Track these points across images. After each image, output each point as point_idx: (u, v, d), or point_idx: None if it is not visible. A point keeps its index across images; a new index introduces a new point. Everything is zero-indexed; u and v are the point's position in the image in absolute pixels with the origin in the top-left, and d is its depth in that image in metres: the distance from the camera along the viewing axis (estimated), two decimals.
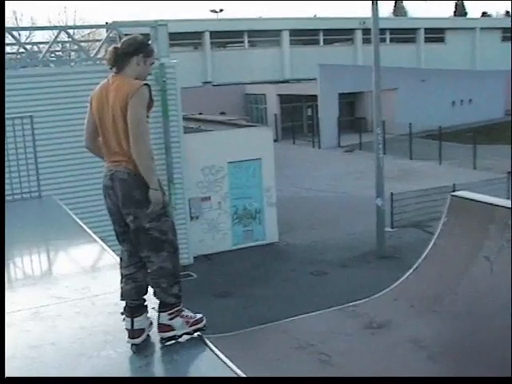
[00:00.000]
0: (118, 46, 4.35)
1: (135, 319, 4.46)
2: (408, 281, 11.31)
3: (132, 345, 4.48)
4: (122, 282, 4.54)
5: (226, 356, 4.55)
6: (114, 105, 4.22)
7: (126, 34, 17.31)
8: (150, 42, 4.45)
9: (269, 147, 19.08)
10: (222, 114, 35.16)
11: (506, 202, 11.64)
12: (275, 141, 25.38)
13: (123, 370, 4.33)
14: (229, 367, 4.33)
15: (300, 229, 20.28)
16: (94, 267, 7.13)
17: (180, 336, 4.52)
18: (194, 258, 16.45)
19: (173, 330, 4.48)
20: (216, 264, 16.56)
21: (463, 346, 9.77)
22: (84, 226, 8.36)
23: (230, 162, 18.44)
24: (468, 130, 34.75)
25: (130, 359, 4.48)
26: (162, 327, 4.48)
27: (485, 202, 11.52)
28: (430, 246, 11.47)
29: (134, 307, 4.49)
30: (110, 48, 4.37)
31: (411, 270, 11.29)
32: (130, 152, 4.20)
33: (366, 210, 19.58)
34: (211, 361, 4.40)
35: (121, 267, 4.56)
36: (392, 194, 20.15)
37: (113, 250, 7.11)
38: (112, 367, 4.33)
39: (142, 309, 4.53)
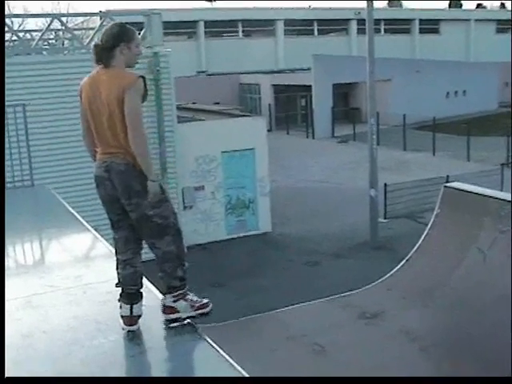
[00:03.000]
0: (98, 42, 4.34)
1: (134, 306, 4.49)
2: (401, 272, 11.33)
3: (128, 331, 4.49)
4: (118, 268, 4.54)
5: (220, 345, 4.54)
6: (108, 97, 4.21)
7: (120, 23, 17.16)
8: (127, 25, 4.38)
9: (262, 137, 19.05)
10: (216, 103, 35.08)
11: (500, 194, 11.66)
12: (269, 131, 25.34)
13: (116, 359, 4.32)
14: (222, 357, 4.32)
15: (294, 219, 20.28)
16: (86, 256, 7.10)
17: (184, 319, 4.55)
18: (188, 247, 16.38)
19: (177, 312, 4.50)
20: (210, 254, 16.55)
21: (456, 339, 9.79)
22: (77, 215, 8.33)
23: (224, 152, 18.41)
24: (462, 122, 34.77)
25: (122, 348, 4.47)
26: (167, 309, 4.51)
27: (478, 194, 11.54)
28: (422, 238, 11.49)
29: (132, 293, 4.51)
30: (92, 47, 4.38)
31: (404, 261, 11.31)
32: (126, 144, 4.22)
33: (360, 200, 19.60)
34: (204, 350, 4.40)
35: (117, 253, 4.55)
36: (386, 184, 20.16)
37: (106, 239, 7.09)
38: (105, 356, 4.31)
39: (139, 295, 4.55)
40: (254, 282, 15.13)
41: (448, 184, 12.34)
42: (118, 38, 4.31)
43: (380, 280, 11.42)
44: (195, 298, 4.61)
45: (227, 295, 14.18)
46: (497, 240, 10.64)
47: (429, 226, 11.90)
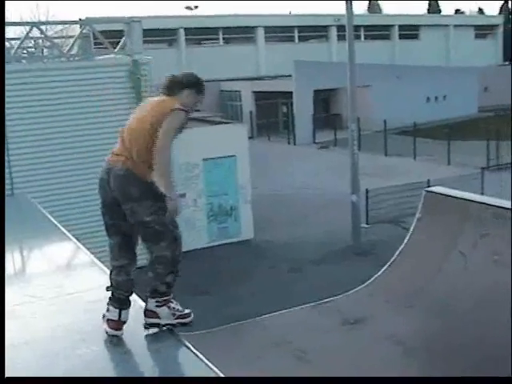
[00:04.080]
0: (175, 77, 4.77)
1: (122, 311, 4.55)
2: (383, 276, 11.37)
3: (112, 336, 4.54)
4: (112, 274, 4.60)
5: (203, 354, 4.53)
6: (150, 111, 4.50)
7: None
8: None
9: (244, 144, 19.06)
10: (197, 111, 34.97)
11: (481, 198, 11.74)
12: (250, 138, 25.36)
13: (100, 369, 4.30)
14: (206, 365, 4.31)
15: (276, 226, 20.29)
16: (68, 265, 7.07)
17: (163, 325, 4.59)
18: None
19: (158, 317, 4.56)
20: (192, 261, 16.49)
21: (439, 342, 9.84)
22: (58, 224, 8.30)
23: (205, 159, 18.39)
24: (442, 126, 34.97)
25: (106, 357, 4.45)
26: (148, 313, 4.57)
27: (459, 198, 11.61)
28: (405, 242, 11.54)
29: (123, 299, 4.57)
30: (167, 76, 4.80)
31: (386, 266, 11.35)
32: (132, 153, 4.41)
33: (342, 206, 19.65)
34: (188, 359, 4.39)
35: (111, 259, 4.61)
36: (367, 190, 20.22)
37: (87, 248, 7.06)
38: (88, 365, 4.29)
39: (128, 302, 4.61)
40: (238, 289, 15.12)
41: (429, 188, 12.40)
42: (193, 84, 4.72)
43: (363, 285, 11.46)
44: (178, 307, 4.65)
45: (212, 303, 14.16)
46: (478, 244, 10.71)
47: (411, 230, 11.95)
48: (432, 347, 9.65)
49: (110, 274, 4.62)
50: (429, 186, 12.06)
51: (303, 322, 10.57)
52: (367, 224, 19.75)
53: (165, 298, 4.57)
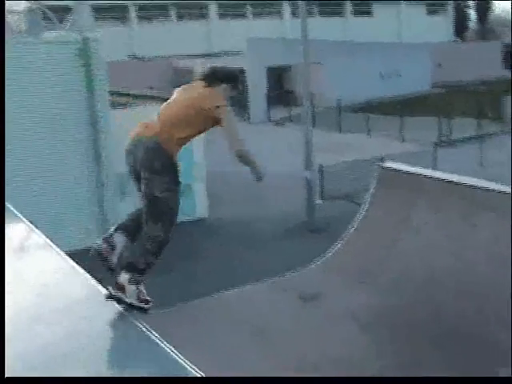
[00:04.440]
0: (218, 69, 5.16)
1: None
2: (338, 252, 11.42)
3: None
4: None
5: (159, 332, 4.49)
6: (197, 97, 4.90)
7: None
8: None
9: None
10: (150, 88, 34.70)
11: (434, 173, 11.85)
12: None
13: (57, 351, 4.22)
14: (162, 344, 4.26)
15: (230, 204, 20.26)
16: (21, 248, 6.94)
17: (125, 303, 4.59)
18: None
19: (124, 293, 4.57)
20: None
21: (394, 318, 9.94)
22: (9, 206, 8.13)
23: None
24: (396, 103, 35.22)
25: (63, 338, 4.37)
26: (117, 285, 4.59)
27: (413, 173, 11.71)
28: (358, 218, 11.60)
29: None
30: (209, 65, 5.20)
31: (340, 242, 11.41)
32: (165, 128, 4.76)
33: (296, 183, 19.68)
34: (144, 338, 4.33)
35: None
36: (321, 166, 20.28)
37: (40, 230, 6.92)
38: (44, 348, 4.21)
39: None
40: (193, 267, 15.07)
41: (383, 164, 12.46)
42: (232, 80, 5.22)
43: (317, 261, 11.51)
44: (144, 291, 4.73)
45: (167, 281, 14.08)
46: (431, 219, 10.84)
47: (365, 206, 12.02)
48: (388, 323, 9.75)
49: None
50: (382, 162, 12.11)
51: (259, 298, 10.57)
52: (322, 200, 19.83)
53: (138, 277, 4.64)
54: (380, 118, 32.39)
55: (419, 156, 20.29)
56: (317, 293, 10.47)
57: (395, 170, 11.95)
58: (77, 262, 5.33)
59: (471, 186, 10.42)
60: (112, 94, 18.69)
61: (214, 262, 15.43)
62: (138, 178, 4.82)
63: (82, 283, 4.79)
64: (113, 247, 4.69)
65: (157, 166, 4.66)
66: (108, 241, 4.70)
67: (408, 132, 28.97)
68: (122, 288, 4.58)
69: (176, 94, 5.13)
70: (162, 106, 5.00)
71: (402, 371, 8.26)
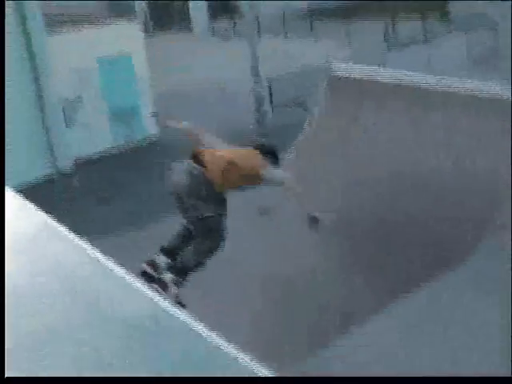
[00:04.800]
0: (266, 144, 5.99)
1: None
2: (291, 157, 11.35)
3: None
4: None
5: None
6: (245, 155, 5.82)
7: None
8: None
9: (139, 42, 18.46)
10: (86, 11, 33.56)
11: (382, 75, 11.72)
12: (146, 34, 24.56)
13: None
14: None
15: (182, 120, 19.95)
16: None
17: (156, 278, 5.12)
18: (74, 161, 15.91)
19: (164, 287, 5.07)
20: (96, 167, 16.13)
21: (351, 217, 9.99)
22: None
23: (100, 61, 17.73)
24: (341, 7, 34.71)
25: None
26: (161, 283, 5.08)
27: (360, 78, 11.62)
28: (308, 123, 11.54)
29: None
30: (261, 141, 5.95)
31: (293, 148, 11.34)
32: (214, 165, 5.40)
33: (244, 93, 19.45)
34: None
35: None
36: (269, 75, 20.03)
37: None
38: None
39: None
40: (146, 191, 14.89)
41: (330, 68, 12.29)
42: (273, 154, 6.10)
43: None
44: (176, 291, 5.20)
45: (117, 209, 13.93)
46: (377, 121, 10.83)
47: (313, 112, 11.93)
48: (345, 223, 9.79)
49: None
50: (330, 68, 11.96)
51: None
52: (270, 108, 19.66)
53: (182, 281, 5.19)
54: (326, 24, 31.97)
55: (366, 59, 20.13)
56: (272, 201, 10.44)
57: (343, 76, 11.84)
58: (27, 197, 5.13)
59: (415, 87, 10.47)
60: (47, 17, 17.99)
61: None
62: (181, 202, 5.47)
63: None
64: (156, 267, 5.19)
65: (202, 193, 5.45)
66: (151, 263, 5.27)
67: (354, 36, 28.68)
68: (163, 285, 5.04)
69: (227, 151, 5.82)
70: (214, 150, 5.69)
71: (356, 269, 8.37)
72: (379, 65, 21.97)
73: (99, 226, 10.20)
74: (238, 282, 8.56)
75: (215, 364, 2.14)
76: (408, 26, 28.98)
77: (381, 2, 32.62)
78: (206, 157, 5.54)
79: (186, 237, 5.45)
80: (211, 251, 5.49)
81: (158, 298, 2.92)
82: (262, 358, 2.06)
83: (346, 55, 22.35)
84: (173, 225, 7.07)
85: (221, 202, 5.41)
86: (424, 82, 11.18)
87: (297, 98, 19.74)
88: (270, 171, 5.77)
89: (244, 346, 2.02)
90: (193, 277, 5.07)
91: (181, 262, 5.32)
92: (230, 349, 2.20)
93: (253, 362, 2.22)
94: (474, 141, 10.00)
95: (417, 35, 28.05)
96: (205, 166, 5.43)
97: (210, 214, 5.29)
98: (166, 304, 2.22)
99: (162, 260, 5.31)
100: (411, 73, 11.52)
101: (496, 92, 9.92)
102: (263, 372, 2.28)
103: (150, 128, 18.61)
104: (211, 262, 7.60)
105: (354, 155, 10.51)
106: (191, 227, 5.41)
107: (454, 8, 30.36)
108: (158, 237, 9.57)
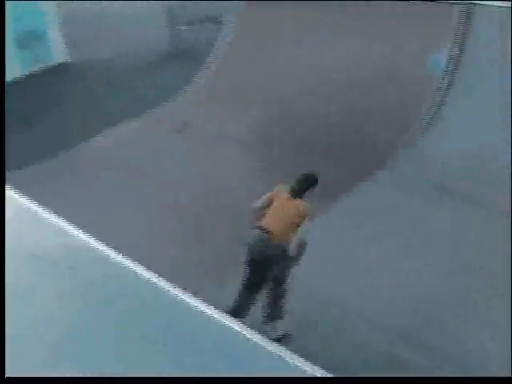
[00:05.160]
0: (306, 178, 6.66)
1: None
2: (206, 78, 11.11)
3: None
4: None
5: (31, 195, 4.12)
6: (294, 209, 6.45)
7: None
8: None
9: None
10: None
11: None
12: None
13: None
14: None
15: (90, 45, 19.22)
16: None
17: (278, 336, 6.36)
18: None
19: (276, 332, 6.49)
20: (10, 96, 15.41)
21: (269, 133, 9.90)
22: None
23: None
24: None
25: None
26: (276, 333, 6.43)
27: None
28: (220, 40, 11.26)
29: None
30: (303, 178, 6.67)
31: (206, 66, 11.08)
32: (280, 231, 6.38)
33: (156, 12, 18.83)
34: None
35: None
36: None
37: None
38: None
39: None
40: (60, 117, 14.38)
41: None
42: (315, 183, 6.67)
43: (187, 89, 11.16)
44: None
45: (35, 136, 13.44)
46: (297, 30, 10.67)
47: (226, 28, 11.64)
48: (265, 140, 9.72)
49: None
50: None
51: (133, 137, 10.28)
52: (186, 26, 19.09)
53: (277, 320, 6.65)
54: None
55: None
56: (189, 121, 10.24)
57: None
58: None
59: None
60: None
61: (82, 106, 14.78)
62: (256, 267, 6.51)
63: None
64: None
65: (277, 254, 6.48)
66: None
67: None
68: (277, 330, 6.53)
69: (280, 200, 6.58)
70: (281, 214, 6.48)
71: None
72: None
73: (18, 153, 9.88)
74: (154, 199, 8.42)
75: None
76: None
77: None
78: (271, 226, 6.42)
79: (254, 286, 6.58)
80: (286, 292, 6.65)
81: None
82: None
83: None
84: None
85: (286, 255, 6.44)
86: None
87: (211, 13, 19.22)
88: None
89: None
90: None
91: (274, 309, 6.67)
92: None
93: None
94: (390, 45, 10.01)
95: None
96: (271, 234, 6.37)
97: (284, 270, 6.51)
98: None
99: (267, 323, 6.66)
100: None
101: None
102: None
103: (58, 54, 17.87)
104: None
105: (277, 63, 10.37)
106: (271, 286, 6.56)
107: None
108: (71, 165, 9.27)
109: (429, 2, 10.23)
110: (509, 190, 8.10)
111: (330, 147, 9.56)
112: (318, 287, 7.14)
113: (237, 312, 6.18)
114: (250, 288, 6.51)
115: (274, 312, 6.62)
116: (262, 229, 6.40)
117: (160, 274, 3.22)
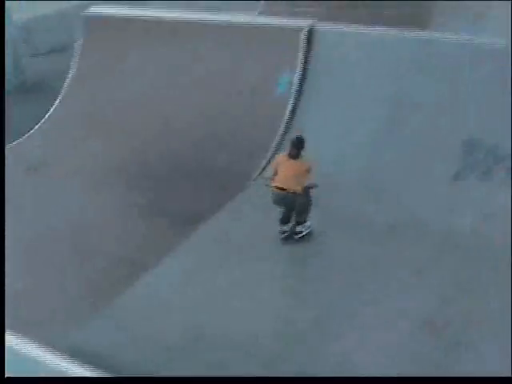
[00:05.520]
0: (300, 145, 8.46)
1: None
2: (59, 111, 10.96)
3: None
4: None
5: None
6: (299, 167, 8.41)
7: None
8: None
9: None
10: None
11: (144, 12, 11.54)
12: None
13: None
14: None
15: None
16: None
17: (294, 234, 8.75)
18: None
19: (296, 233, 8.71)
20: None
21: (125, 166, 9.86)
22: None
23: None
24: None
25: None
26: (296, 234, 8.71)
27: (122, 16, 11.35)
28: (72, 71, 11.13)
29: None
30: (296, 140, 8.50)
31: (57, 101, 10.91)
32: (294, 183, 8.39)
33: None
34: None
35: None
36: (23, 20, 18.75)
37: None
38: None
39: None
40: None
41: (88, 11, 11.81)
42: (303, 145, 8.43)
43: (36, 126, 10.93)
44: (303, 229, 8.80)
45: None
46: (145, 54, 10.71)
47: (76, 58, 11.50)
48: (126, 173, 9.69)
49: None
50: (87, 10, 11.54)
51: None
52: (32, 57, 18.50)
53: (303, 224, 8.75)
54: None
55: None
56: (43, 160, 10.05)
57: (103, 16, 11.52)
58: None
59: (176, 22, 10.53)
60: None
61: None
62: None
63: None
64: (285, 232, 8.66)
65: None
66: (282, 231, 8.67)
67: None
68: (298, 233, 8.68)
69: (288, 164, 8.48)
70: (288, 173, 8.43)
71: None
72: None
73: None
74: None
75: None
76: None
77: None
78: (284, 184, 8.36)
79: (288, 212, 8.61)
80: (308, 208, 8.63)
81: None
82: None
83: None
84: None
85: (301, 196, 8.41)
86: (186, 17, 11.24)
87: (58, 44, 18.77)
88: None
89: None
90: None
91: (301, 218, 8.64)
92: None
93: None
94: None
95: None
96: (285, 189, 8.34)
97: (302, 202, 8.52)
98: None
99: (288, 226, 8.66)
100: (171, 10, 11.55)
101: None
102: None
103: None
104: None
105: (129, 94, 10.36)
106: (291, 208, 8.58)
107: None
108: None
109: (278, 28, 10.63)
110: None
111: (185, 176, 9.70)
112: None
113: (284, 220, 8.60)
114: (287, 210, 8.60)
115: (301, 220, 8.64)
116: (277, 188, 8.40)
117: None
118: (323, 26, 10.37)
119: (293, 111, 10.15)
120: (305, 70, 10.24)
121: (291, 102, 10.17)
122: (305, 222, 8.79)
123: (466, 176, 8.76)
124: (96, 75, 11.05)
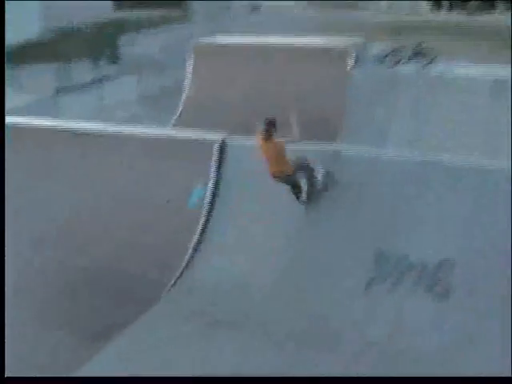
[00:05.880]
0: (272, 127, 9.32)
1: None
2: None
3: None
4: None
5: None
6: (279, 147, 9.34)
7: None
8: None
9: None
10: None
11: (54, 123, 11.59)
12: None
13: None
14: None
15: None
16: None
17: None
18: None
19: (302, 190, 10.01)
20: None
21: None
22: None
23: None
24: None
25: None
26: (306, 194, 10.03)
27: (34, 126, 11.35)
28: None
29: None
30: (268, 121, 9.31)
31: None
32: (280, 162, 9.51)
33: None
34: None
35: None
36: None
37: None
38: None
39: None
40: None
41: (10, 120, 11.71)
42: (275, 125, 9.31)
43: None
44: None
45: None
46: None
47: None
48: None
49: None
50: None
51: None
52: None
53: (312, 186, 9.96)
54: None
55: (41, 105, 19.60)
56: None
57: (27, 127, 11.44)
58: None
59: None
60: None
61: None
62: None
63: None
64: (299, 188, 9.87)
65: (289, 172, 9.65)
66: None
67: (26, 81, 27.64)
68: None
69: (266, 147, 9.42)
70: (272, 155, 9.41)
71: None
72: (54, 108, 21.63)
73: None
74: None
75: None
76: (82, 67, 28.62)
77: (50, 44, 31.77)
78: (276, 171, 9.45)
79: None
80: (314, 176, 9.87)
81: None
82: None
83: (20, 102, 21.49)
84: None
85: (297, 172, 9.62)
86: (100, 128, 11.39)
87: None
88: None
89: None
90: None
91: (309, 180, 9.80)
92: None
93: None
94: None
95: (91, 76, 27.69)
96: (279, 174, 9.51)
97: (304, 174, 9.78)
98: None
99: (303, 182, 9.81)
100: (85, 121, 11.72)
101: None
102: None
103: None
104: None
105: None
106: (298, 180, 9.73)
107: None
108: None
109: (194, 141, 10.92)
110: None
111: (103, 289, 9.60)
112: None
113: (296, 189, 9.79)
114: (295, 185, 9.77)
115: (312, 186, 9.82)
116: (274, 176, 9.47)
117: None
118: (234, 140, 10.72)
119: (205, 223, 10.30)
120: (217, 182, 10.47)
121: (204, 213, 10.34)
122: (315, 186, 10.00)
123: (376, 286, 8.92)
124: None
